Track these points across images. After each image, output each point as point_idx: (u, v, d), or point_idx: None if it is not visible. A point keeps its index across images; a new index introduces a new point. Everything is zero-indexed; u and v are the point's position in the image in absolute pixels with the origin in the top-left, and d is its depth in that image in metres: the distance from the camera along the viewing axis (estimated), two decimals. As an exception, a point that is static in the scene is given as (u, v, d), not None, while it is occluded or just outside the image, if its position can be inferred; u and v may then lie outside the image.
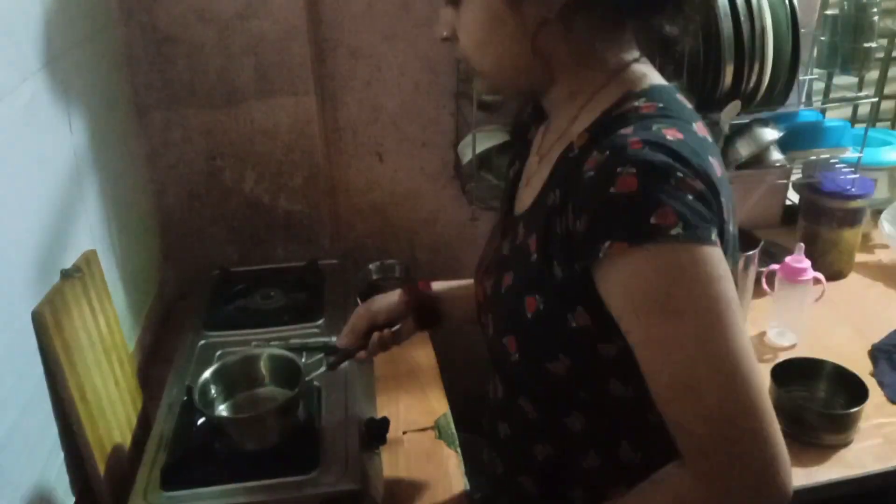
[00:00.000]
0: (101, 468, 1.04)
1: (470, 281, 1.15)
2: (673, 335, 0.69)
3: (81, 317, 1.07)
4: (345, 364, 1.31)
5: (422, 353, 1.53)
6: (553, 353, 0.81)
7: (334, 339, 1.18)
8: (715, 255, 0.70)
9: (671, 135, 0.73)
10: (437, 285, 1.22)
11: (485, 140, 1.65)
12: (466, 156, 1.70)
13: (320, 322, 1.44)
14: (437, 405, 1.37)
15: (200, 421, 1.14)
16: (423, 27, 1.68)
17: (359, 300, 1.56)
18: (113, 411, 1.12)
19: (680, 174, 0.70)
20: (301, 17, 1.52)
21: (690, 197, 0.69)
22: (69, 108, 1.18)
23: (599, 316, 0.75)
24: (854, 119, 2.11)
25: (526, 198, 0.90)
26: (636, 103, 0.78)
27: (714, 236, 0.70)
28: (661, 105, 0.78)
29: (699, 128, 0.79)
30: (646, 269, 0.69)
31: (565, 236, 0.76)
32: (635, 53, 0.83)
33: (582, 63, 0.82)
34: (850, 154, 1.72)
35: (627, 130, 0.74)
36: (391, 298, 1.15)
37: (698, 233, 0.69)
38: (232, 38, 1.52)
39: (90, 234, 1.23)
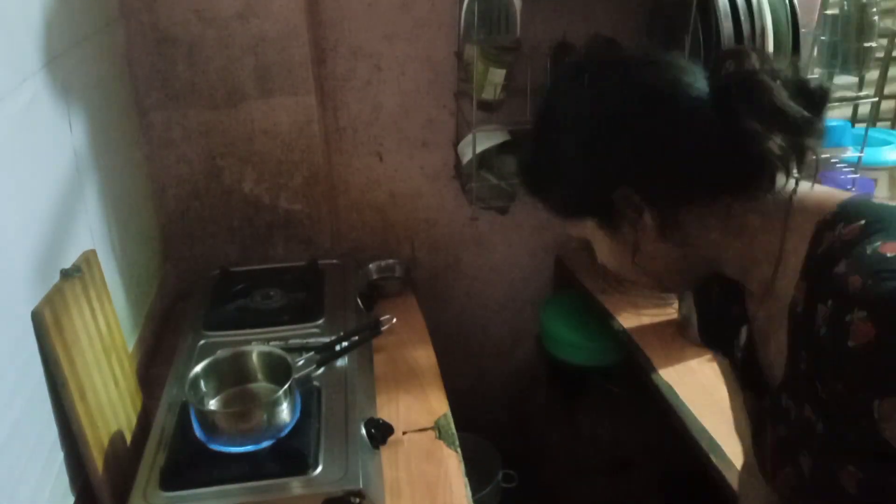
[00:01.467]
0: (101, 468, 1.04)
1: None
2: None
3: (81, 316, 1.07)
4: (344, 363, 1.32)
5: (422, 354, 1.52)
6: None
7: (333, 338, 1.18)
8: None
9: (891, 251, 0.62)
10: None
11: (485, 140, 1.65)
12: (466, 155, 1.69)
13: (320, 322, 1.44)
14: (436, 405, 1.37)
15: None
16: (424, 27, 1.68)
17: (359, 301, 1.56)
18: (113, 411, 1.12)
19: None
20: (301, 16, 1.52)
21: None
22: (69, 107, 1.18)
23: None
24: (854, 119, 2.10)
25: (775, 370, 0.79)
26: (835, 232, 0.69)
27: None
28: (863, 221, 0.67)
29: None
30: None
31: (831, 400, 0.66)
32: (789, 184, 0.75)
33: (732, 235, 0.76)
34: (851, 154, 1.72)
35: (840, 269, 0.64)
36: None
37: None
38: (232, 37, 1.52)
39: (90, 234, 1.23)
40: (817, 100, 0.75)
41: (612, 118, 0.76)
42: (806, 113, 0.73)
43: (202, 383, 1.18)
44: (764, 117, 0.71)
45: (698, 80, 0.75)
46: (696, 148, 0.73)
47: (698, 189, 0.75)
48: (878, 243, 0.63)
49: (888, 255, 0.61)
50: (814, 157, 0.75)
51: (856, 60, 1.62)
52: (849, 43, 1.61)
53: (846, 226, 0.68)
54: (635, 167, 0.75)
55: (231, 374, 1.21)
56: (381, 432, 1.22)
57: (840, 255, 0.65)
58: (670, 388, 1.40)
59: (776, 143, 0.71)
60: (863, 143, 1.71)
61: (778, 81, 0.73)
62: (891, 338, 0.58)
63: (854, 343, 0.60)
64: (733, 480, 1.13)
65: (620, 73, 0.77)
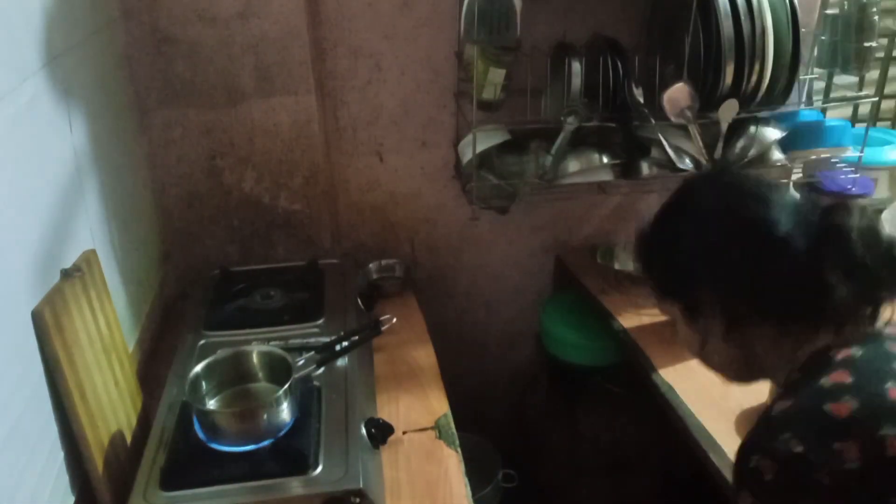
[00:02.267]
0: (101, 468, 1.04)
1: None
2: None
3: (81, 316, 1.07)
4: (344, 363, 1.32)
5: (422, 353, 1.52)
6: None
7: (333, 338, 1.18)
8: None
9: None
10: None
11: (485, 139, 1.64)
12: (467, 155, 1.69)
13: (320, 322, 1.44)
14: (437, 405, 1.37)
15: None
16: (424, 26, 1.69)
17: (359, 300, 1.56)
18: (113, 411, 1.12)
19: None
20: (301, 16, 1.52)
21: None
22: (69, 107, 1.18)
23: None
24: (854, 118, 2.10)
25: None
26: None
27: None
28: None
29: None
30: None
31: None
32: (827, 331, 0.86)
33: (779, 356, 0.90)
34: (851, 153, 1.72)
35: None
36: None
37: None
38: (232, 37, 1.52)
39: (90, 234, 1.23)
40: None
41: (719, 235, 0.90)
42: (886, 269, 0.83)
43: (202, 383, 1.18)
44: (847, 268, 0.82)
45: (798, 224, 0.86)
46: (778, 281, 0.85)
47: (768, 312, 0.88)
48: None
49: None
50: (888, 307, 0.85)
51: (856, 60, 1.62)
52: (849, 43, 1.61)
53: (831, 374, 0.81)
54: (726, 279, 0.89)
55: (231, 374, 1.21)
56: (381, 432, 1.22)
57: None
58: (670, 387, 1.40)
59: (851, 292, 0.82)
60: (863, 142, 1.71)
61: (868, 237, 0.84)
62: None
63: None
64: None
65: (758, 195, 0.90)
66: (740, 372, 0.96)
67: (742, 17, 1.46)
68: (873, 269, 0.82)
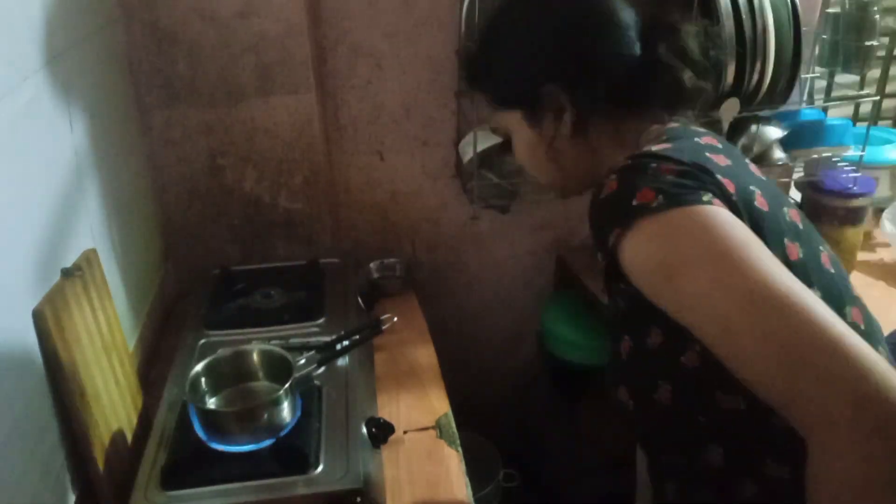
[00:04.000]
0: (102, 467, 1.04)
1: None
2: (696, 289, 0.69)
3: (82, 316, 1.07)
4: (345, 362, 1.32)
5: (423, 353, 1.52)
6: (654, 385, 0.84)
7: (334, 337, 1.18)
8: (709, 210, 0.72)
9: (657, 147, 0.81)
10: None
11: (486, 138, 1.64)
12: (467, 154, 1.69)
13: (321, 321, 1.44)
14: (437, 404, 1.37)
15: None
16: (425, 25, 1.68)
17: (359, 300, 1.56)
18: (113, 410, 1.12)
19: (654, 164, 0.77)
20: (302, 15, 1.52)
21: (670, 177, 0.75)
22: (70, 107, 1.18)
23: (669, 327, 0.76)
24: (856, 117, 2.10)
25: None
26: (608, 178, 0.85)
27: (707, 197, 0.73)
28: (665, 137, 0.87)
29: (706, 140, 0.85)
30: (644, 244, 0.73)
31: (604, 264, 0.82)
32: (663, 119, 0.93)
33: (619, 148, 0.92)
34: (852, 152, 1.72)
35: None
36: None
37: (682, 198, 0.72)
38: (233, 36, 1.52)
39: (91, 233, 1.23)
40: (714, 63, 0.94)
41: (556, 26, 0.92)
42: (708, 63, 0.92)
43: (203, 382, 1.18)
44: (678, 57, 0.90)
45: (633, 16, 0.93)
46: (619, 65, 0.91)
47: (611, 100, 0.91)
48: (655, 146, 0.82)
49: (653, 148, 0.81)
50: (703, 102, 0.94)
51: (857, 59, 1.62)
52: (850, 41, 1.61)
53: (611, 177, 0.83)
54: (567, 69, 0.92)
55: (232, 373, 1.21)
56: (381, 431, 1.22)
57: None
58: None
59: (687, 76, 0.89)
60: (864, 141, 1.70)
61: (693, 38, 0.92)
62: (623, 187, 0.76)
63: (602, 195, 0.78)
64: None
65: None
66: (582, 175, 0.97)
67: (743, 16, 1.46)
68: (698, 61, 0.90)
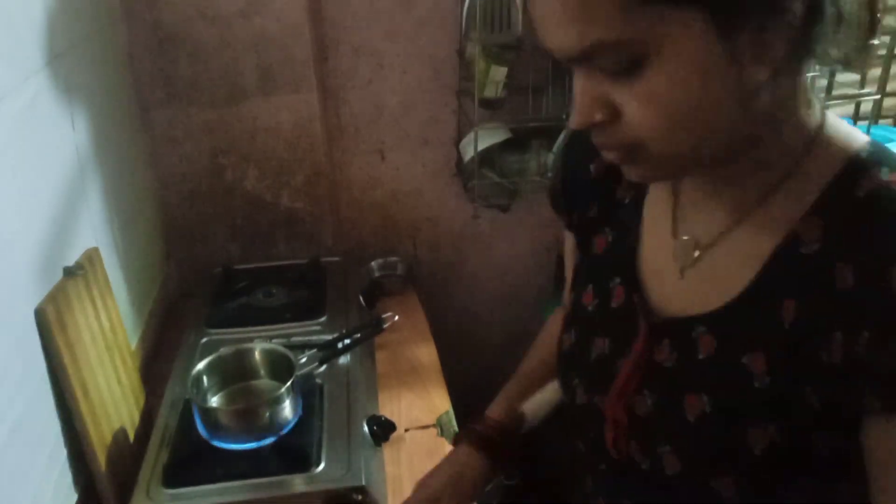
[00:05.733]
0: (104, 465, 1.04)
1: (521, 379, 1.02)
2: None
3: (84, 314, 1.08)
4: (346, 361, 1.32)
5: (424, 351, 1.53)
6: (790, 484, 0.63)
7: (335, 335, 1.18)
8: None
9: None
10: (495, 413, 1.01)
11: (487, 137, 1.65)
12: (468, 153, 1.70)
13: (322, 319, 1.44)
14: (439, 402, 1.37)
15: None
16: (426, 25, 1.68)
17: (361, 298, 1.56)
18: (115, 409, 1.13)
19: None
20: (303, 15, 1.52)
21: None
22: (72, 106, 1.18)
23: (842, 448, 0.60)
24: (857, 116, 2.10)
25: (688, 294, 0.68)
26: (881, 175, 0.58)
27: None
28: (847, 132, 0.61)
29: None
30: None
31: (843, 366, 0.57)
32: (818, 101, 0.63)
33: (783, 124, 0.61)
34: (853, 151, 1.71)
35: None
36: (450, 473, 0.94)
37: None
38: (234, 36, 1.52)
39: (93, 232, 1.23)
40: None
41: None
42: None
43: (205, 380, 1.18)
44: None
45: None
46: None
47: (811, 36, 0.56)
48: None
49: None
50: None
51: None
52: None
53: (891, 173, 0.58)
54: None
55: (233, 372, 1.22)
56: (383, 429, 1.22)
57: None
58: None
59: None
60: (865, 140, 1.70)
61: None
62: None
63: None
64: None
65: None
66: (743, 136, 0.60)
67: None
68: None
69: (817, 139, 0.62)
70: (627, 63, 0.54)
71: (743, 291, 0.63)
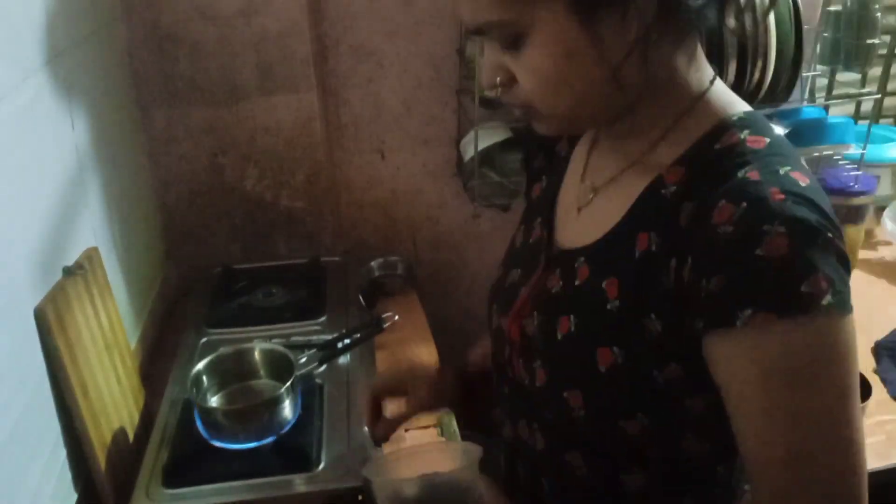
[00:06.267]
0: (104, 465, 1.04)
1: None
2: (804, 407, 0.62)
3: (84, 314, 1.08)
4: (346, 361, 1.32)
5: (424, 351, 1.52)
6: (630, 411, 0.72)
7: (335, 335, 1.18)
8: (853, 325, 0.62)
9: (802, 181, 0.64)
10: (476, 359, 1.08)
11: (487, 137, 1.64)
12: (468, 153, 1.69)
13: (322, 319, 1.44)
14: (439, 402, 1.37)
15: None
16: (425, 24, 1.68)
17: (361, 298, 1.56)
18: (115, 409, 1.13)
19: (829, 234, 0.61)
20: (303, 13, 1.52)
21: (835, 259, 0.61)
22: (71, 105, 1.18)
23: (694, 370, 0.67)
24: (857, 115, 2.10)
25: (580, 229, 0.79)
26: (740, 135, 0.68)
27: (851, 301, 0.62)
28: (769, 140, 0.68)
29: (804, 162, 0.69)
30: (791, 342, 0.61)
31: (675, 290, 0.66)
32: (710, 70, 0.73)
33: (666, 87, 0.70)
34: (854, 151, 1.71)
35: (754, 175, 0.64)
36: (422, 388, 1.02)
37: (845, 301, 0.61)
38: (234, 35, 1.52)
39: (92, 232, 1.23)
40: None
41: None
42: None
43: (204, 380, 1.18)
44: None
45: None
46: None
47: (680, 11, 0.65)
48: (788, 167, 0.65)
49: (801, 184, 0.63)
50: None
51: (858, 57, 1.61)
52: (851, 39, 1.61)
53: (751, 134, 0.68)
54: None
55: (233, 372, 1.22)
56: (383, 429, 1.22)
57: (746, 161, 0.65)
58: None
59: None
60: (865, 140, 1.70)
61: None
62: (799, 261, 0.60)
63: (763, 252, 0.60)
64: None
65: None
66: (620, 102, 0.70)
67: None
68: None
69: (700, 101, 0.71)
70: (513, 38, 0.66)
71: (615, 226, 0.73)
